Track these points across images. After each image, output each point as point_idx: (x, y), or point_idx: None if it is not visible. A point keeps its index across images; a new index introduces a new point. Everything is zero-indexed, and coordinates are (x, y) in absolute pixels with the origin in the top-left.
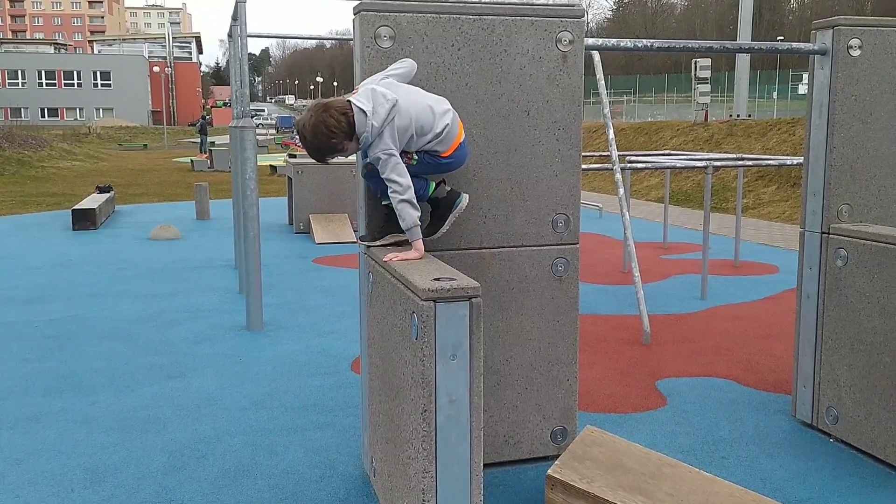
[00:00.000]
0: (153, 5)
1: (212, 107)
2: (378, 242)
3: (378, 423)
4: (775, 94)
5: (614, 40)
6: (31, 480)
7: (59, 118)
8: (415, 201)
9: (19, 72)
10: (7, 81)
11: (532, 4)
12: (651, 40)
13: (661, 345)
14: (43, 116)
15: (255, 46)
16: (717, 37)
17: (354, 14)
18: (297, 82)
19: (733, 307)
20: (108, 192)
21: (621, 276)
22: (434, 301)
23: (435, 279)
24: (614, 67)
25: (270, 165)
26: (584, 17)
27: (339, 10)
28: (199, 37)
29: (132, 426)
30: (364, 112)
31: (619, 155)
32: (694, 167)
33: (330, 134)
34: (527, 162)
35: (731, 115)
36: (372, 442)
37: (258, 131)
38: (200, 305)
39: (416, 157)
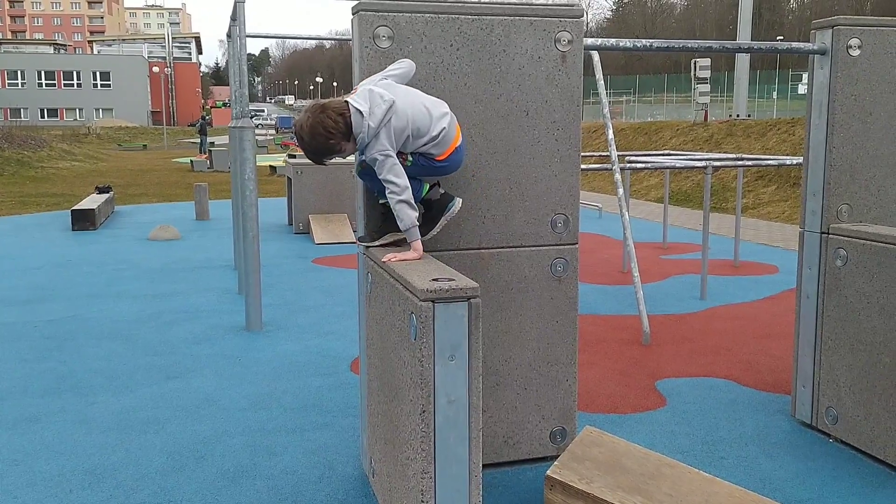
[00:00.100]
0: (152, 5)
1: (211, 107)
2: (377, 243)
3: (377, 423)
4: (775, 94)
5: (613, 40)
6: (29, 481)
7: (58, 118)
8: (413, 202)
9: (19, 72)
10: (7, 82)
11: (531, 4)
12: (650, 40)
13: (661, 345)
14: (42, 117)
15: (254, 47)
16: (717, 37)
17: (353, 14)
18: (296, 83)
19: (733, 307)
20: (108, 192)
21: (621, 276)
22: (433, 301)
23: (434, 279)
24: (614, 67)
25: (270, 166)
26: (583, 16)
27: (338, 10)
28: (199, 37)
29: (131, 427)
30: (361, 113)
31: (618, 155)
32: (693, 167)
33: (327, 135)
34: (526, 162)
35: (730, 115)
36: (371, 442)
37: (258, 132)
38: (199, 306)
39: (410, 158)
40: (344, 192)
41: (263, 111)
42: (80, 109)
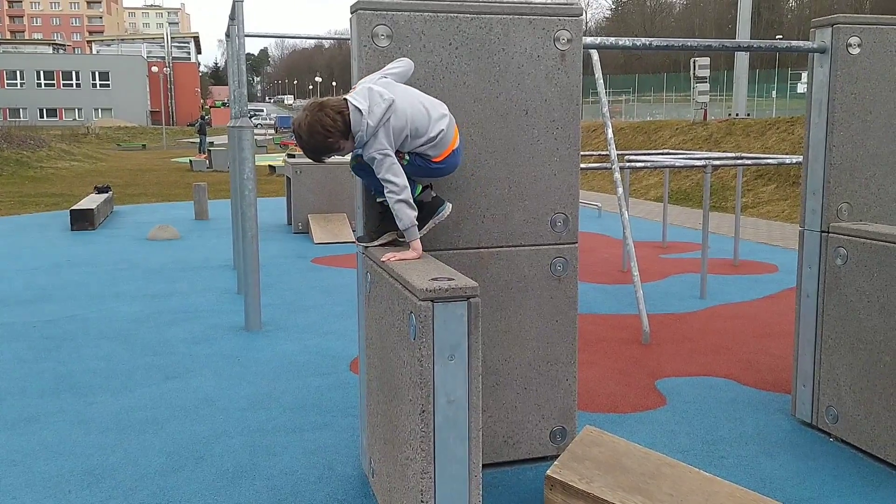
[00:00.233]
0: (151, 5)
1: (210, 107)
2: (376, 242)
3: (376, 423)
4: (774, 93)
5: (613, 39)
6: (28, 482)
7: (57, 118)
8: (412, 201)
9: (18, 72)
10: (6, 82)
11: (530, 3)
12: (650, 39)
13: (661, 344)
14: (41, 117)
15: (253, 46)
16: (716, 36)
17: (351, 13)
18: (295, 82)
19: (733, 306)
20: (107, 192)
21: (620, 275)
22: (432, 301)
23: (433, 279)
24: (613, 67)
25: (269, 165)
26: (582, 15)
27: (337, 9)
28: (198, 37)
29: (130, 427)
30: (360, 111)
31: (617, 154)
32: (693, 166)
33: (326, 133)
34: (525, 161)
35: (729, 114)
36: (370, 442)
37: (257, 131)
38: (199, 306)
39: (407, 157)
40: (343, 191)
41: (262, 111)
42: (79, 109)
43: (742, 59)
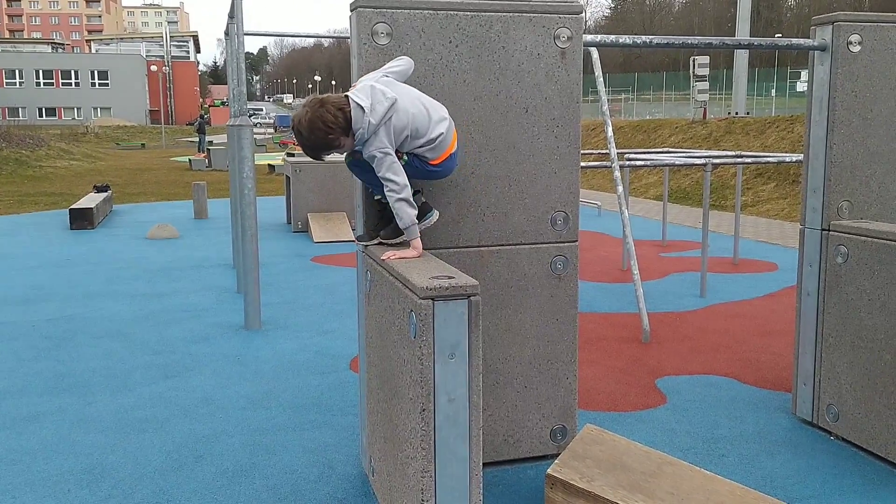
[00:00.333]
0: (151, 4)
1: (210, 106)
2: (375, 241)
3: (377, 422)
4: (774, 91)
5: (613, 37)
6: (27, 481)
7: (56, 118)
8: (412, 200)
9: (17, 71)
10: (5, 81)
11: (530, 0)
12: (650, 36)
13: (661, 343)
14: (41, 116)
15: (253, 45)
16: (715, 34)
17: (351, 11)
18: (295, 81)
19: (733, 305)
20: (106, 191)
21: (620, 273)
22: (432, 299)
23: (433, 277)
24: (613, 65)
25: (268, 164)
26: (582, 13)
27: (337, 8)
28: (197, 36)
29: (129, 426)
30: (362, 108)
31: (617, 153)
32: (693, 165)
33: (327, 129)
34: (525, 159)
35: (729, 113)
36: (371, 441)
37: (256, 130)
38: (198, 305)
39: (405, 157)
40: (342, 190)
41: (262, 110)
42: (78, 108)
43: (741, 58)
